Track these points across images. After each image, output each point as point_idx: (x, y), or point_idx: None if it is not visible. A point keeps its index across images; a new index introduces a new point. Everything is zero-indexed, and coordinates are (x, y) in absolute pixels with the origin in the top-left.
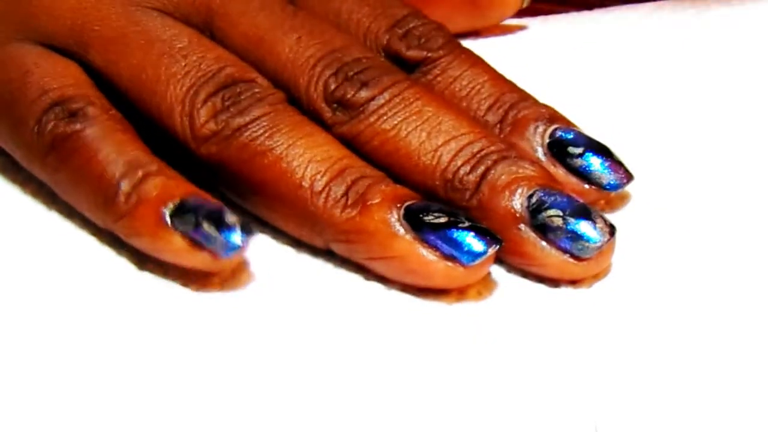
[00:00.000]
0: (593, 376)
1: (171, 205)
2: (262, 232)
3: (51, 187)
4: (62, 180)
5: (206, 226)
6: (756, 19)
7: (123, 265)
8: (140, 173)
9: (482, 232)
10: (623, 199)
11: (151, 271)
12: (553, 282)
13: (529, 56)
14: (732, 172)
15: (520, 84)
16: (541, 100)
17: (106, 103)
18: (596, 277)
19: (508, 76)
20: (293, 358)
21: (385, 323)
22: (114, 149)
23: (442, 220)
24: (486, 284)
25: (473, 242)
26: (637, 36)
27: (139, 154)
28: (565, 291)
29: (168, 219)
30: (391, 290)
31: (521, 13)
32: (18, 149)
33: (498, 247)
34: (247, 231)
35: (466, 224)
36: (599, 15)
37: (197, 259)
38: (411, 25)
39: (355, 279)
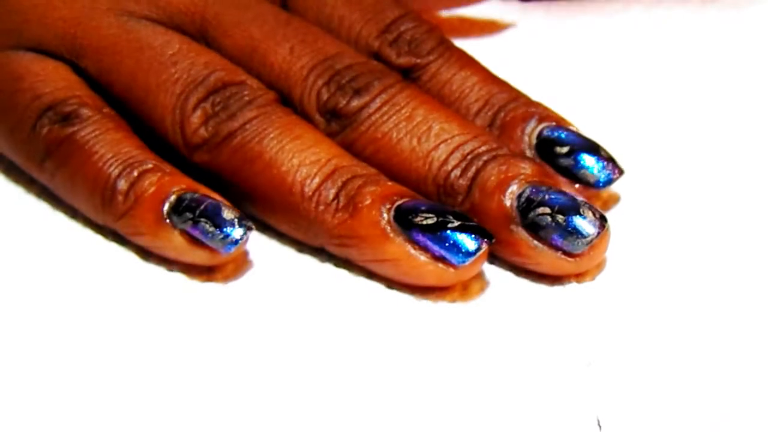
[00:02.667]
0: (594, 370)
1: (168, 203)
2: (265, 228)
3: (51, 190)
4: (61, 183)
5: (204, 224)
6: (755, 16)
7: (128, 259)
8: (136, 172)
9: (472, 230)
10: (619, 197)
11: (156, 265)
12: (554, 278)
13: (527, 48)
14: (730, 168)
15: (514, 79)
16: (536, 96)
17: (99, 102)
18: (596, 271)
19: (504, 70)
20: (292, 354)
21: (388, 322)
22: (109, 149)
23: (431, 221)
24: (487, 282)
25: (463, 242)
26: (636, 30)
27: (134, 151)
28: (566, 287)
29: (166, 217)
30: (392, 289)
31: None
32: (16, 155)
33: (488, 244)
34: (245, 225)
35: (456, 224)
36: (599, 6)
37: (197, 256)
38: (402, 29)
39: (356, 278)
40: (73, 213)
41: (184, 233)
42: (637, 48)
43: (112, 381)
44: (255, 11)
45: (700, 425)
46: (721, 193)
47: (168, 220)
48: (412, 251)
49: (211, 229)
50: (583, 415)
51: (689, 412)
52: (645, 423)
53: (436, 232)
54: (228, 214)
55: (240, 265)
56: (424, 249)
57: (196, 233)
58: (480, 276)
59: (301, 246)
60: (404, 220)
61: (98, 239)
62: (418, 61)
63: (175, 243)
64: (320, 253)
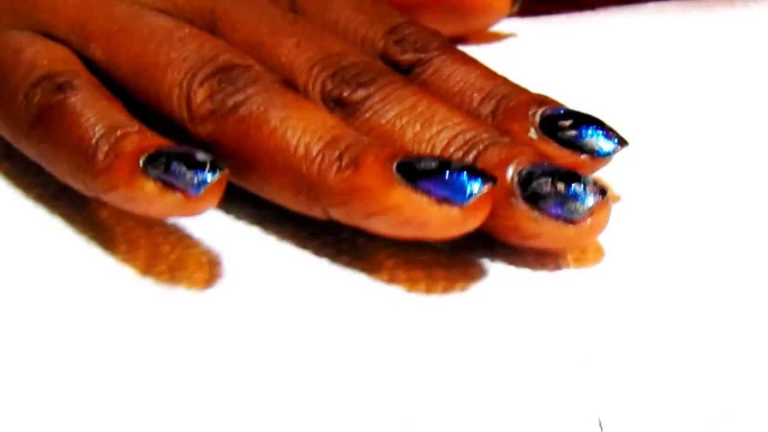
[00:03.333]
0: (593, 367)
1: (145, 155)
2: (263, 229)
3: (36, 160)
4: (46, 149)
5: (176, 165)
6: (759, 21)
7: (124, 270)
8: (120, 132)
9: (475, 172)
10: (619, 196)
11: (155, 276)
12: (555, 265)
13: (530, 59)
14: (735, 170)
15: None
16: None
17: (94, 79)
18: (594, 261)
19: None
20: (292, 356)
21: (386, 316)
22: (96, 114)
23: (434, 164)
24: (486, 276)
25: (465, 181)
26: (641, 38)
27: (120, 117)
28: (566, 283)
29: (141, 166)
30: (395, 288)
31: (522, 14)
32: (6, 125)
33: (491, 184)
34: (218, 167)
35: (458, 165)
36: (602, 16)
37: (170, 202)
38: (406, 32)
39: (355, 273)
40: (70, 218)
41: (157, 180)
42: (638, 57)
43: (109, 387)
44: (263, 10)
45: (702, 423)
46: (725, 196)
47: (142, 169)
48: (415, 196)
49: (183, 169)
50: (583, 413)
51: (691, 409)
52: (646, 421)
53: (439, 174)
54: (201, 156)
55: (239, 269)
56: (427, 192)
57: (169, 177)
58: (479, 270)
59: (301, 245)
60: (407, 169)
61: (93, 244)
62: (423, 56)
63: (147, 190)
64: (319, 252)
